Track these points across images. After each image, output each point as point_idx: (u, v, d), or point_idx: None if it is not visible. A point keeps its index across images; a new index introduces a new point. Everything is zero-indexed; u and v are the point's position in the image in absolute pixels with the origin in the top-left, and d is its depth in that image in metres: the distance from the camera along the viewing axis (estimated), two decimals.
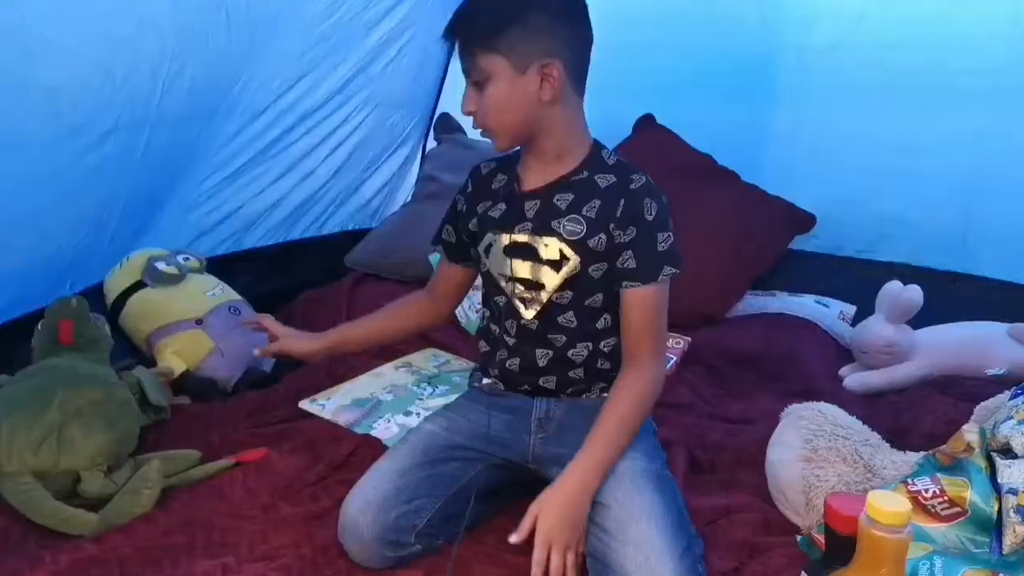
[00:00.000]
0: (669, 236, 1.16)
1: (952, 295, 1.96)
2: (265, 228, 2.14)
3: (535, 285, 1.19)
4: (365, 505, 1.13)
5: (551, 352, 1.22)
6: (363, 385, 1.69)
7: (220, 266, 1.92)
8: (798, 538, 1.19)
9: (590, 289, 1.18)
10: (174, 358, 1.64)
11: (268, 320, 1.40)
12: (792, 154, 2.26)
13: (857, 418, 1.39)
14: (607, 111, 2.34)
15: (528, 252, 1.19)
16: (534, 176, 1.20)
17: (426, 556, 1.16)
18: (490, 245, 1.22)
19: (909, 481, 1.11)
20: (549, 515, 1.05)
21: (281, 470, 1.35)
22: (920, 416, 1.54)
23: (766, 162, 2.29)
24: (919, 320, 1.78)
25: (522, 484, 1.24)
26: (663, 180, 2.11)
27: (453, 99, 2.52)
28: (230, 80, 1.71)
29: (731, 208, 2.19)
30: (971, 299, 1.93)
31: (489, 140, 1.18)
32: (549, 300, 1.19)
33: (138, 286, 1.67)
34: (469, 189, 1.29)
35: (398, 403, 1.62)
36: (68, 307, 1.45)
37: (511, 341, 1.24)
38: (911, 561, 0.94)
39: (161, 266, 1.69)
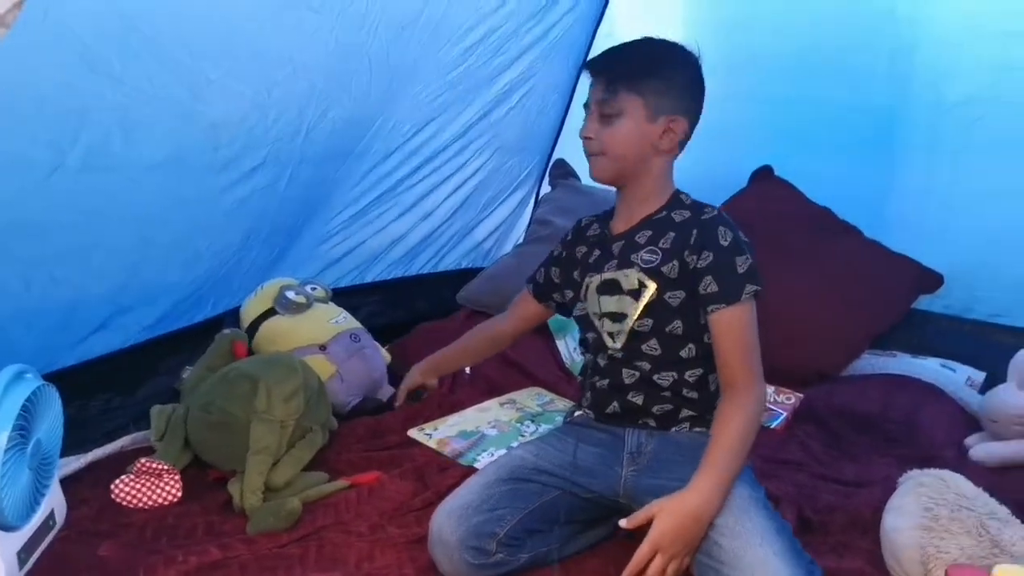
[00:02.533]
0: (747, 259, 1.22)
1: None
2: (386, 263, 2.25)
3: (620, 316, 1.26)
4: (450, 512, 1.19)
5: (637, 374, 1.27)
6: (469, 418, 1.75)
7: (344, 297, 2.03)
8: None
9: (669, 316, 1.24)
10: None
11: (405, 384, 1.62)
12: (919, 211, 2.17)
13: (983, 490, 1.32)
14: (727, 160, 2.37)
15: (613, 287, 1.28)
16: (621, 221, 1.32)
17: (512, 572, 1.19)
18: (587, 287, 1.32)
19: None
20: (667, 519, 1.07)
21: (390, 494, 1.40)
22: None
23: (891, 219, 2.21)
24: None
25: (609, 522, 1.26)
26: (779, 231, 2.15)
27: (569, 145, 2.59)
28: (367, 122, 1.84)
29: (850, 262, 2.12)
30: None
31: (598, 183, 1.30)
32: (631, 329, 1.25)
33: (270, 313, 1.79)
34: (569, 238, 1.43)
35: (501, 438, 1.65)
36: (236, 333, 1.67)
37: (602, 364, 1.30)
38: None
39: (290, 295, 1.82)
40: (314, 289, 1.90)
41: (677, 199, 1.30)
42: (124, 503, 1.36)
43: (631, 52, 1.27)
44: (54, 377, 1.26)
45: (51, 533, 1.24)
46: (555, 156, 2.62)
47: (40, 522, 1.20)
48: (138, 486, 1.36)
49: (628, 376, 1.27)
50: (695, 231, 1.23)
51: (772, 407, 1.84)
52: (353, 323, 1.89)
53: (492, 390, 1.87)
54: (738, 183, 2.35)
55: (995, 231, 2.05)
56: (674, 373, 1.25)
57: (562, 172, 2.56)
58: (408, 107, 1.91)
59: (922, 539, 1.19)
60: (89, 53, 1.18)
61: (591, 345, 1.33)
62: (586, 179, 2.49)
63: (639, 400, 1.27)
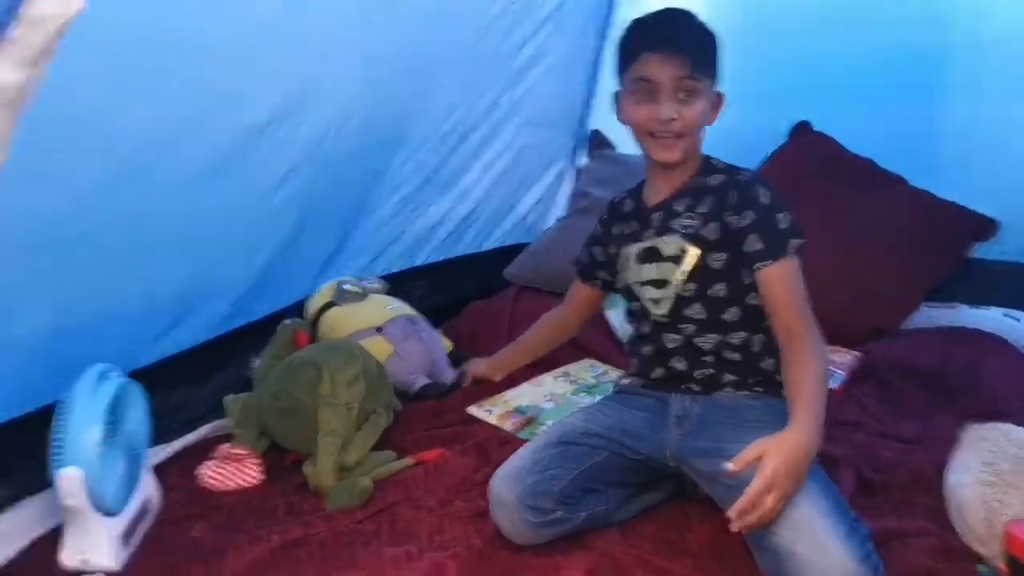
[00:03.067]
0: (788, 215, 1.26)
1: None
2: (431, 246, 2.29)
3: (662, 283, 1.30)
4: (505, 475, 1.25)
5: (680, 338, 1.31)
6: (526, 393, 1.79)
7: (394, 282, 2.09)
8: (978, 567, 1.14)
9: (712, 279, 1.28)
10: None
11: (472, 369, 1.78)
12: (967, 154, 2.10)
13: None
14: (764, 117, 2.33)
15: (654, 255, 1.32)
16: (655, 193, 1.36)
17: (572, 531, 1.24)
18: (626, 259, 1.36)
19: None
20: (778, 456, 1.05)
21: (454, 469, 1.46)
22: None
23: (938, 165, 2.14)
24: None
25: (663, 486, 1.31)
26: (822, 187, 2.13)
27: (602, 116, 2.58)
28: (402, 112, 1.89)
29: (898, 214, 2.08)
30: None
31: (662, 148, 1.29)
32: (676, 295, 1.29)
33: (330, 305, 1.87)
34: (605, 217, 1.48)
35: (557, 411, 1.69)
36: (297, 323, 1.75)
37: (647, 331, 1.35)
38: None
39: (347, 287, 1.90)
40: (370, 282, 1.98)
41: (709, 164, 1.33)
42: (211, 487, 1.44)
43: (697, 30, 1.29)
44: (135, 375, 1.35)
45: (149, 517, 1.34)
46: (590, 127, 2.61)
47: (138, 508, 1.30)
48: (222, 471, 1.45)
49: (671, 341, 1.31)
50: (733, 192, 1.27)
51: (830, 368, 1.83)
52: (409, 309, 1.95)
53: (546, 364, 1.90)
54: (776, 142, 2.32)
55: None
56: (717, 335, 1.29)
57: (599, 143, 2.57)
58: (436, 92, 1.94)
59: (985, 494, 1.19)
60: (117, 68, 1.22)
61: (636, 313, 1.39)
62: (621, 147, 2.52)
63: (682, 365, 1.31)
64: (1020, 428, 1.31)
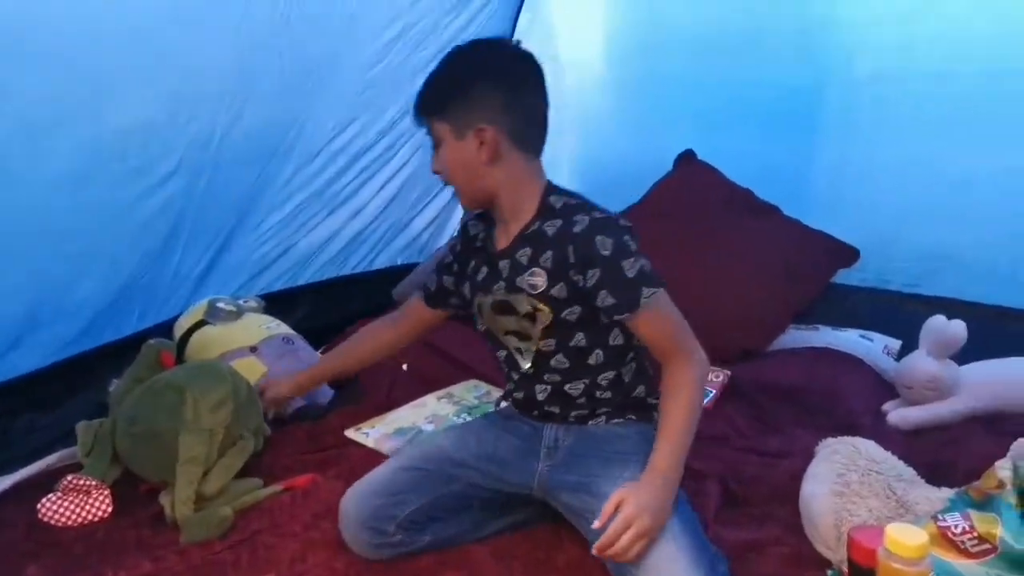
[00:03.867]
0: (634, 260, 1.17)
1: (999, 330, 1.92)
2: (319, 264, 2.24)
3: (523, 336, 1.26)
4: (353, 495, 1.26)
5: (549, 388, 1.28)
6: (406, 415, 1.76)
7: (278, 301, 2.03)
8: (828, 573, 1.19)
9: (570, 332, 1.24)
10: None
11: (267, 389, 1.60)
12: (836, 188, 2.27)
13: (897, 454, 1.39)
14: (652, 144, 2.42)
15: (509, 309, 1.26)
16: (502, 236, 1.28)
17: (417, 552, 1.24)
18: (480, 306, 1.31)
19: (939, 517, 1.11)
20: (637, 498, 1.08)
21: (325, 495, 1.41)
22: (962, 453, 1.51)
23: (809, 196, 2.30)
24: (965, 355, 1.75)
25: (524, 509, 1.31)
26: (703, 214, 2.21)
27: None
28: (287, 123, 1.83)
29: (772, 241, 2.20)
30: (1020, 334, 1.89)
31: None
32: (538, 349, 1.26)
33: (201, 324, 1.78)
34: (458, 248, 1.40)
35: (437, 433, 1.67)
36: (162, 343, 1.64)
37: (516, 378, 1.32)
38: None
39: (221, 304, 1.81)
40: (245, 301, 1.89)
41: (546, 205, 1.23)
42: (52, 522, 1.34)
43: (431, 78, 1.24)
44: None
45: None
46: None
47: None
48: (66, 504, 1.35)
49: (541, 391, 1.29)
50: (571, 248, 1.18)
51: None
52: (286, 329, 1.89)
53: (430, 385, 1.88)
54: (664, 166, 2.41)
55: (906, 204, 2.15)
56: (585, 381, 1.26)
57: None
58: (329, 106, 1.91)
59: (835, 504, 1.25)
60: None
61: (503, 361, 1.33)
62: None
63: (555, 409, 1.30)
64: (869, 441, 1.40)
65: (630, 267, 1.16)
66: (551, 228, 1.21)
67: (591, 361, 1.25)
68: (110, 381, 1.62)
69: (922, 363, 1.75)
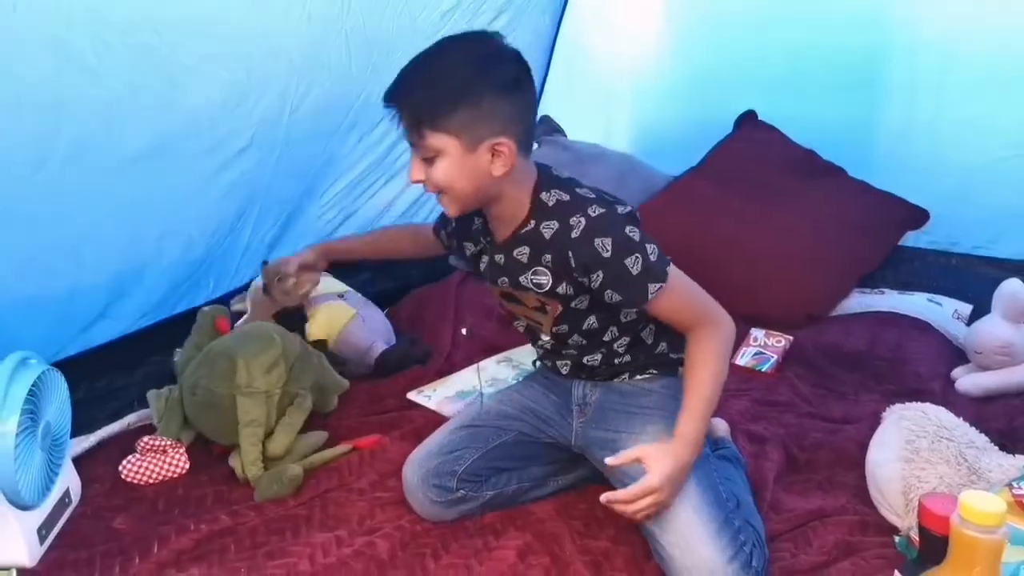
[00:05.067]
0: (637, 256, 1.11)
1: None
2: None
3: (536, 321, 1.27)
4: (413, 459, 1.31)
5: (569, 361, 1.30)
6: (466, 378, 1.78)
7: (338, 269, 2.05)
8: (895, 539, 1.18)
9: (582, 318, 1.22)
10: (317, 327, 1.77)
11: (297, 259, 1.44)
12: (902, 150, 2.20)
13: (968, 420, 1.36)
14: (711, 108, 2.38)
15: (518, 300, 1.26)
16: (500, 228, 1.22)
17: (479, 509, 1.28)
18: (491, 288, 1.30)
19: (1014, 484, 1.08)
20: (663, 466, 1.08)
21: (392, 456, 1.45)
22: None
23: (874, 158, 2.24)
24: None
25: (576, 470, 1.33)
26: (765, 175, 2.17)
27: (552, 102, 2.58)
28: (351, 97, 1.84)
29: (836, 203, 2.14)
30: None
31: (580, 144, 1.23)
32: (552, 332, 1.26)
33: None
34: (452, 226, 1.32)
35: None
36: (216, 309, 1.68)
37: (540, 348, 1.34)
38: (1010, 565, 0.92)
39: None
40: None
41: (539, 205, 1.16)
42: (134, 481, 1.40)
43: (426, 80, 1.10)
44: (59, 365, 1.30)
45: (68, 510, 1.30)
46: (540, 112, 2.62)
47: (56, 500, 1.26)
48: (145, 464, 1.41)
49: (562, 363, 1.31)
50: (571, 253, 1.13)
51: (763, 350, 1.88)
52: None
53: (490, 349, 1.90)
54: (723, 130, 2.36)
55: (975, 165, 2.08)
56: (602, 351, 1.26)
57: (547, 129, 2.56)
58: (390, 79, 1.91)
59: (903, 470, 1.24)
60: (62, 46, 1.19)
61: (524, 331, 1.33)
62: (572, 134, 2.53)
63: (581, 374, 1.31)
64: (938, 407, 1.37)
65: (633, 263, 1.11)
66: (548, 231, 1.15)
67: (606, 337, 1.25)
68: (174, 351, 1.67)
69: (995, 328, 1.69)
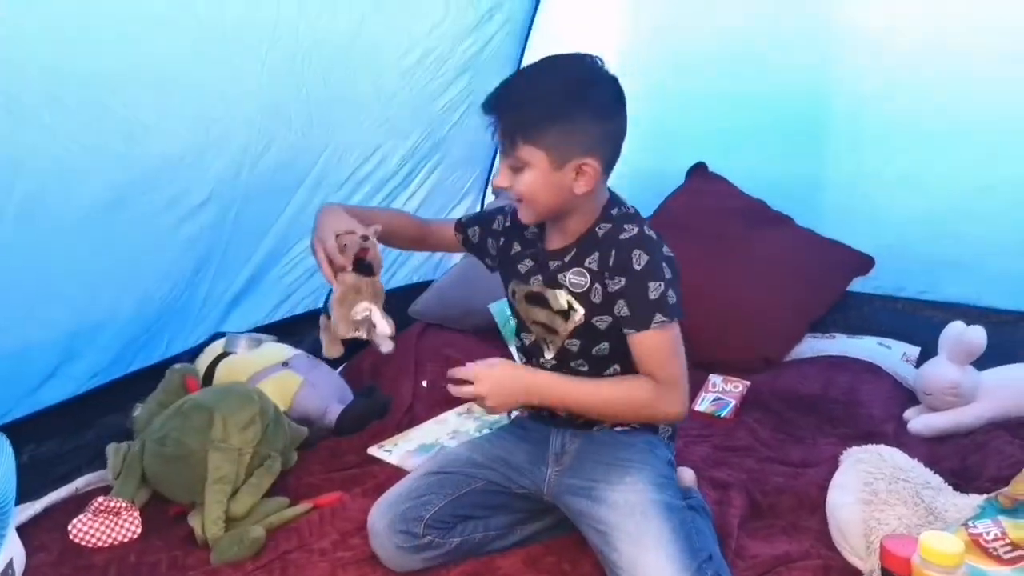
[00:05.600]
0: (661, 285, 1.16)
1: (1017, 335, 1.93)
2: None
3: (551, 330, 1.28)
4: (380, 504, 1.29)
5: None
6: (428, 431, 1.77)
7: (298, 324, 2.05)
8: None
9: (596, 339, 1.25)
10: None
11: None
12: (848, 199, 2.27)
13: (921, 461, 1.39)
14: (662, 160, 2.44)
15: (542, 301, 1.28)
16: (556, 236, 1.27)
17: (446, 558, 1.27)
18: (514, 292, 1.33)
19: (970, 524, 1.11)
20: (502, 366, 1.20)
21: (353, 513, 1.42)
22: (986, 458, 1.52)
23: (821, 207, 2.31)
24: (984, 361, 1.75)
25: (544, 518, 1.32)
26: (716, 225, 2.23)
27: None
28: (313, 153, 1.86)
29: (786, 251, 2.21)
30: None
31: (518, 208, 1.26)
32: (562, 346, 1.27)
33: (223, 356, 1.79)
34: (508, 223, 1.37)
35: None
36: (186, 368, 1.68)
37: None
38: None
39: (242, 337, 1.83)
40: (257, 336, 1.90)
41: (605, 212, 1.24)
42: (83, 543, 1.35)
43: (527, 95, 1.16)
44: (4, 428, 1.25)
45: None
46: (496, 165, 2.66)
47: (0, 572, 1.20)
48: (96, 524, 1.36)
49: None
50: (613, 252, 1.19)
51: (721, 396, 1.91)
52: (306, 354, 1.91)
53: (450, 401, 1.89)
54: (676, 180, 2.43)
55: (919, 213, 2.15)
56: None
57: None
58: (353, 135, 1.93)
59: (863, 512, 1.26)
60: (14, 102, 1.18)
61: (526, 348, 1.35)
62: None
63: (565, 414, 1.31)
64: (892, 449, 1.40)
65: (654, 289, 1.16)
66: (601, 231, 1.23)
67: (608, 372, 1.27)
68: (133, 407, 1.63)
69: (943, 369, 1.75)
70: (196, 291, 1.77)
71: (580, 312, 1.24)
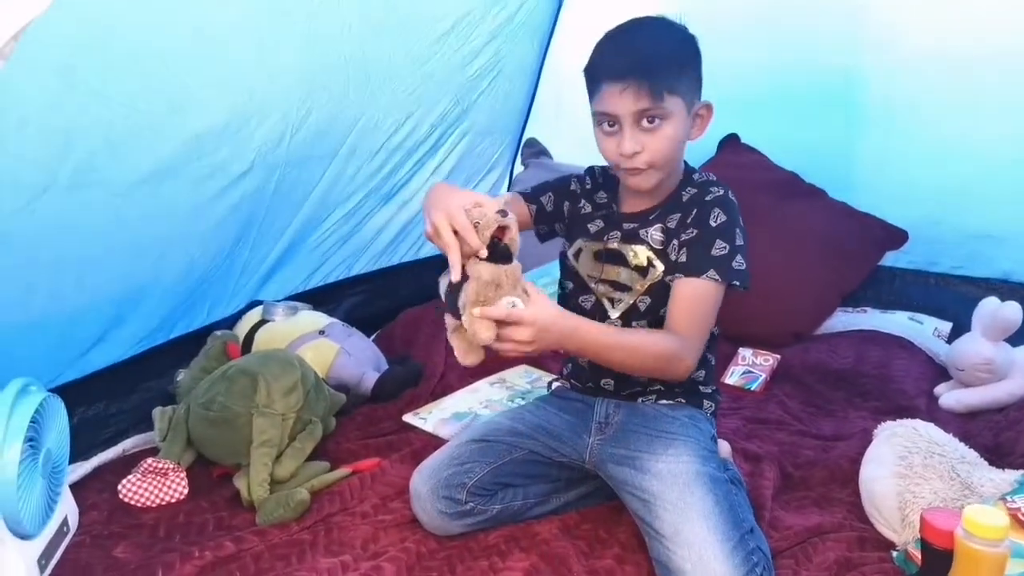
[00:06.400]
0: (727, 248, 1.20)
1: None
2: (371, 255, 2.27)
3: (623, 287, 1.28)
4: (422, 469, 1.31)
5: None
6: (461, 400, 1.80)
7: (330, 292, 2.07)
8: (893, 553, 1.21)
9: (664, 299, 1.25)
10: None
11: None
12: (882, 171, 2.25)
13: (955, 437, 1.40)
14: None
15: (617, 258, 1.28)
16: (630, 203, 1.30)
17: (486, 524, 1.29)
18: (580, 250, 1.33)
19: (1008, 498, 1.12)
20: (546, 309, 1.07)
21: (391, 479, 1.45)
22: (1020, 434, 1.52)
23: (854, 180, 2.28)
24: (1017, 337, 1.75)
25: (582, 485, 1.34)
26: (749, 197, 2.17)
27: (539, 125, 2.62)
28: (350, 121, 1.86)
29: (819, 224, 2.19)
30: None
31: (631, 177, 1.22)
32: (634, 303, 1.28)
33: (261, 324, 1.83)
34: (588, 184, 1.37)
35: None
36: (227, 335, 1.71)
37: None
38: None
39: (278, 305, 1.86)
40: (292, 305, 1.92)
41: (688, 176, 1.28)
42: (132, 502, 1.39)
43: (658, 51, 1.18)
44: (56, 390, 1.29)
45: (66, 539, 1.27)
46: (525, 135, 2.65)
47: (55, 529, 1.24)
48: (145, 485, 1.40)
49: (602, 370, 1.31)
50: (695, 211, 1.23)
51: (751, 369, 1.92)
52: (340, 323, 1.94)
53: (483, 371, 1.91)
54: (707, 153, 2.41)
55: (953, 186, 2.13)
56: None
57: (533, 151, 2.60)
58: (387, 103, 1.93)
59: (898, 486, 1.27)
60: (69, 70, 1.19)
61: (586, 310, 1.31)
62: (557, 156, 2.57)
63: (610, 386, 1.33)
64: (927, 424, 1.41)
65: (719, 248, 1.20)
66: (686, 195, 1.26)
67: None
68: (176, 372, 1.67)
69: (976, 345, 1.75)
70: (236, 259, 1.79)
71: (660, 268, 1.25)
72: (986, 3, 2.00)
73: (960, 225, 2.16)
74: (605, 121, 1.20)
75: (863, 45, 2.20)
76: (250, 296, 1.91)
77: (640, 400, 1.32)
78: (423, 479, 1.29)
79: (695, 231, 1.22)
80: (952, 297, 2.12)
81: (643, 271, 1.27)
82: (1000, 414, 1.66)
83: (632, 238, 1.27)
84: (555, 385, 1.45)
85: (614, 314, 1.29)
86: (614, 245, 1.29)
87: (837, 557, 1.22)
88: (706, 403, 1.33)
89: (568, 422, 1.35)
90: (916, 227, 2.19)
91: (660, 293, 1.26)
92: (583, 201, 1.36)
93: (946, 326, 2.09)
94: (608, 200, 1.33)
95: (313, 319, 1.87)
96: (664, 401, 1.31)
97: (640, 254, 1.27)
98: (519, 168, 2.67)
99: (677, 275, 1.22)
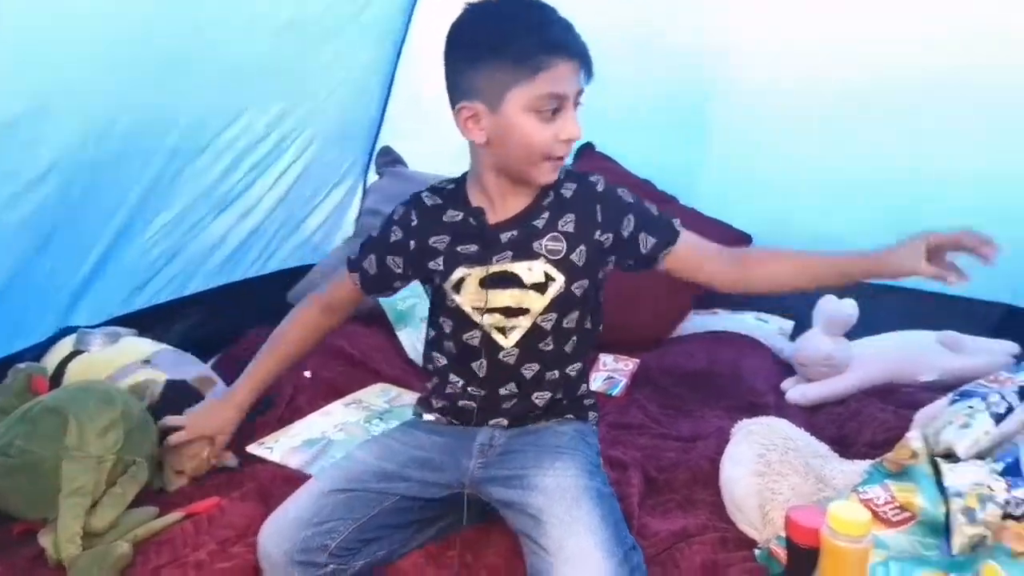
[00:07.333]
0: (649, 203, 1.26)
1: (881, 306, 2.05)
2: (209, 270, 2.08)
3: (518, 312, 1.20)
4: (276, 529, 1.12)
5: (517, 387, 1.24)
6: (313, 424, 1.66)
7: (160, 315, 1.87)
8: (756, 552, 1.22)
9: (570, 307, 1.22)
10: None
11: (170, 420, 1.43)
12: (725, 182, 2.35)
13: (803, 430, 1.44)
14: None
15: (509, 280, 1.19)
16: (502, 208, 1.19)
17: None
18: (462, 280, 1.21)
19: (860, 489, 1.15)
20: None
21: (232, 519, 1.30)
22: (862, 425, 1.60)
23: (702, 189, 2.37)
24: (853, 332, 1.85)
25: (445, 518, 1.24)
26: None
27: (392, 132, 2.52)
28: (168, 120, 1.68)
29: None
30: (898, 310, 2.01)
31: (551, 170, 1.15)
32: (533, 324, 1.20)
33: (75, 355, 1.59)
34: (414, 222, 1.24)
35: (349, 441, 1.58)
36: (32, 367, 1.48)
37: (481, 375, 1.24)
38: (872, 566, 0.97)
39: (94, 332, 1.63)
40: (113, 330, 1.70)
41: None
42: None
43: (574, 32, 1.12)
44: None
45: None
46: (379, 144, 2.55)
47: None
48: None
49: (505, 392, 1.24)
50: (599, 207, 1.19)
51: (612, 375, 1.92)
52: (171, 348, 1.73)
53: (335, 392, 1.79)
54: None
55: (793, 195, 2.25)
56: (557, 371, 1.24)
57: (388, 160, 2.50)
58: (212, 100, 1.77)
59: (758, 484, 1.28)
60: None
61: (471, 348, 1.22)
62: (412, 165, 2.48)
63: (504, 422, 1.25)
64: (781, 420, 1.44)
65: (649, 206, 1.25)
66: (567, 191, 1.21)
67: (567, 348, 1.24)
68: None
69: (817, 341, 1.83)
70: (33, 278, 1.57)
71: (560, 280, 1.18)
72: (816, 35, 2.14)
73: (801, 230, 2.27)
74: (549, 105, 1.09)
75: (710, 62, 2.28)
76: (58, 322, 1.67)
77: (528, 424, 1.26)
78: (275, 541, 1.11)
79: (631, 217, 1.21)
80: (794, 296, 2.22)
81: (541, 288, 1.18)
82: (842, 406, 1.74)
83: (525, 254, 1.17)
84: (427, 417, 1.32)
85: (508, 343, 1.21)
86: (504, 267, 1.18)
87: (703, 560, 1.21)
88: (591, 415, 1.31)
89: (443, 444, 1.25)
90: (761, 232, 2.29)
91: (564, 304, 1.20)
92: (426, 238, 1.23)
93: (789, 324, 2.20)
94: (465, 216, 1.21)
95: (138, 346, 1.66)
96: (553, 419, 1.26)
97: (536, 269, 1.18)
98: (374, 177, 2.56)
99: (665, 251, 1.23)
